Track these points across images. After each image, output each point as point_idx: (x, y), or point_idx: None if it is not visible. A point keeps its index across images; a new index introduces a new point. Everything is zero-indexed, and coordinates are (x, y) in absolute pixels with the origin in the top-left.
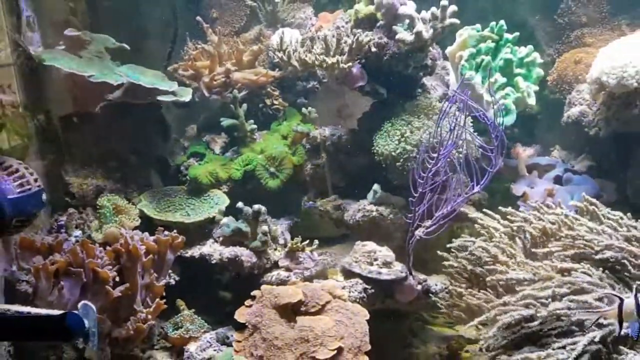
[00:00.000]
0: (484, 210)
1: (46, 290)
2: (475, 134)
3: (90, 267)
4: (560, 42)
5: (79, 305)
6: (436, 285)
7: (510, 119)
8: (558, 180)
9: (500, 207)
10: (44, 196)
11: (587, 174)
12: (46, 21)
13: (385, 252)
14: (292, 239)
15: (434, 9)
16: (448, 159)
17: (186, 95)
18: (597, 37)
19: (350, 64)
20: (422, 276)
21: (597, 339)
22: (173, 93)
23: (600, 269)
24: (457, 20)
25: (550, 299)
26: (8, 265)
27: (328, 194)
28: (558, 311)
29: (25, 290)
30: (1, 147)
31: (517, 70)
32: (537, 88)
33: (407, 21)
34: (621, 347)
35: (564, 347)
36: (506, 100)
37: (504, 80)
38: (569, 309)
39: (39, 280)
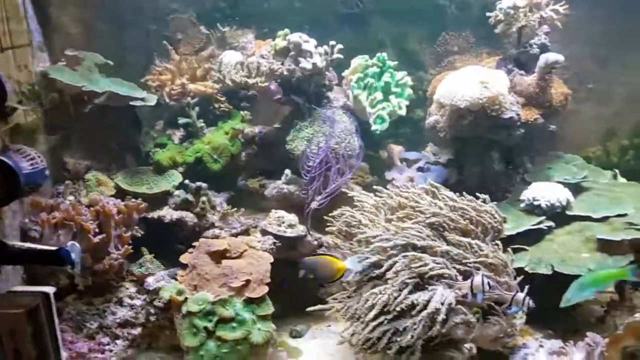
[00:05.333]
0: (362, 191)
1: (48, 236)
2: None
3: (78, 221)
4: (439, 66)
5: (68, 244)
6: (328, 242)
7: (384, 126)
8: (421, 169)
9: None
10: (47, 172)
11: (445, 165)
12: (54, 44)
13: (291, 217)
14: (228, 207)
15: (325, 46)
16: (329, 154)
17: (152, 101)
18: (465, 63)
19: (266, 83)
20: (318, 235)
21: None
22: (143, 99)
23: (429, 229)
24: (341, 56)
25: (394, 249)
26: (22, 218)
27: (256, 175)
28: (397, 260)
29: (34, 235)
30: (19, 122)
31: (394, 90)
32: (407, 103)
33: (308, 54)
34: (431, 281)
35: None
36: (382, 112)
37: (382, 97)
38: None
39: (44, 229)
